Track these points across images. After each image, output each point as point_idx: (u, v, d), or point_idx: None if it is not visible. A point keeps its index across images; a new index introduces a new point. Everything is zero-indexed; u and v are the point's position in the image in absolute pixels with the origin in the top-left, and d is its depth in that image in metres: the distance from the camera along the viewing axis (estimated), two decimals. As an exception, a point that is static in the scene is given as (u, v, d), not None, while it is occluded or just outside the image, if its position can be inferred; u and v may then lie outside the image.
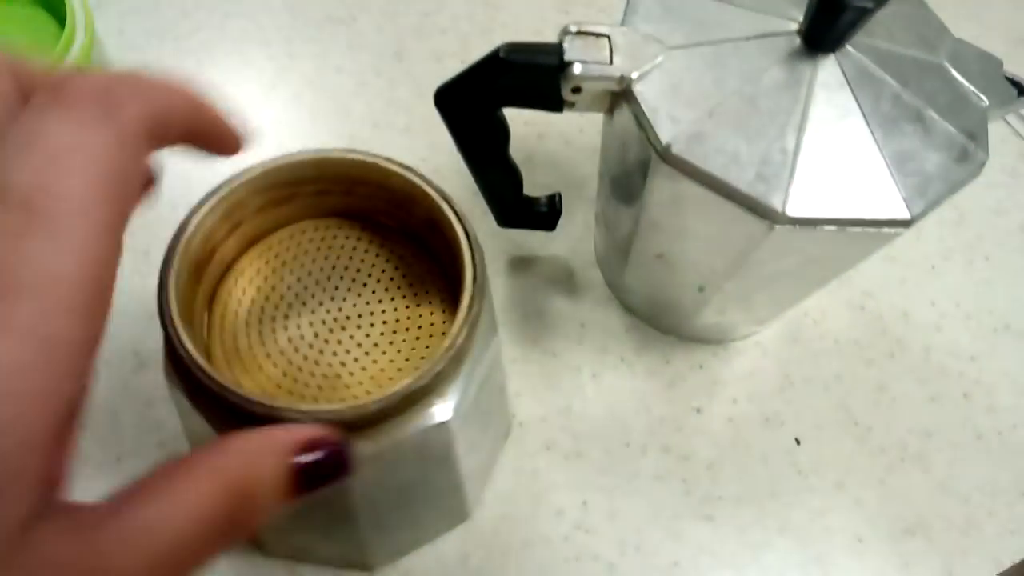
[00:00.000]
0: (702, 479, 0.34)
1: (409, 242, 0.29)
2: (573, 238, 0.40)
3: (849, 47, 0.27)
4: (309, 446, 0.17)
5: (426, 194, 0.26)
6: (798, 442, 0.35)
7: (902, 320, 0.39)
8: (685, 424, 0.35)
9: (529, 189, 0.35)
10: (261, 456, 0.16)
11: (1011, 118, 0.45)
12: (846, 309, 0.39)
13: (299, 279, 0.27)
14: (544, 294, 0.39)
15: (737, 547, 0.33)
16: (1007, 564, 0.33)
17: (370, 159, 0.26)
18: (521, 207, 0.36)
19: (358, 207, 0.29)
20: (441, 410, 0.23)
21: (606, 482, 0.34)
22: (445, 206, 0.26)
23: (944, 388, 0.37)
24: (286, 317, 0.26)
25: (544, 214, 0.36)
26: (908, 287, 0.40)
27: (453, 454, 0.26)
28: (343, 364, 0.25)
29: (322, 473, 0.17)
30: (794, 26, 0.27)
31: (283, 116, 0.43)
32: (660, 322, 0.37)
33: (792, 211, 0.25)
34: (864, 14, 0.25)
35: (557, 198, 0.36)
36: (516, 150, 0.33)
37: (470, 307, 0.24)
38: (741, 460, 0.35)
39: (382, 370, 0.25)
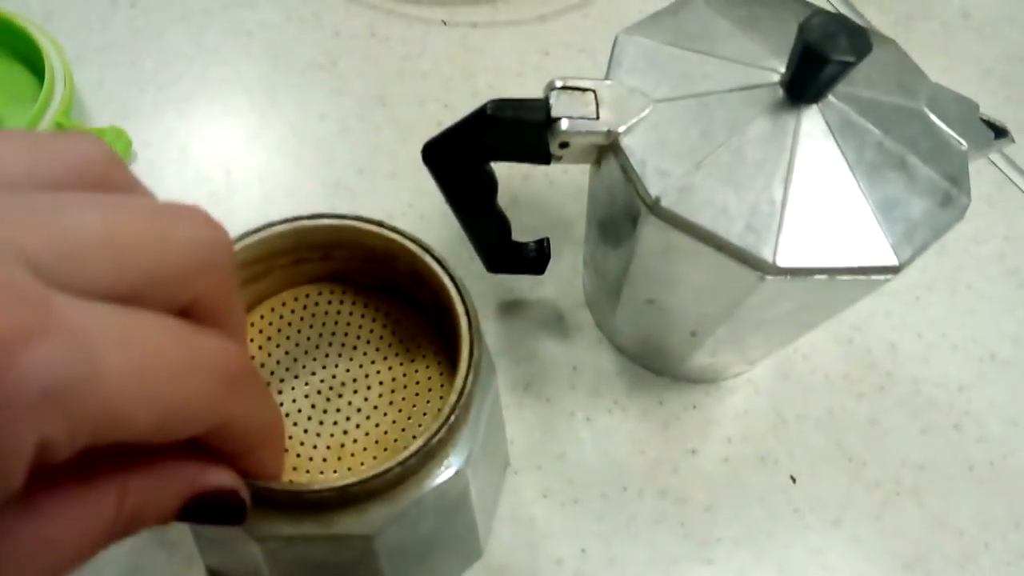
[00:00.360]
0: (700, 521, 0.34)
1: (394, 299, 0.29)
2: (561, 280, 0.40)
3: (831, 96, 0.27)
4: (211, 496, 0.17)
5: (406, 249, 0.26)
6: (794, 480, 0.36)
7: (890, 353, 0.40)
8: (681, 466, 0.35)
9: (515, 231, 0.35)
10: (163, 499, 0.16)
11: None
12: (834, 344, 0.40)
13: (287, 352, 0.27)
14: (535, 338, 0.38)
15: (738, 590, 0.33)
16: (1005, 597, 0.33)
17: (345, 223, 0.26)
18: (510, 253, 0.36)
19: (337, 270, 0.28)
20: (455, 459, 0.23)
21: (604, 528, 0.34)
22: (428, 258, 0.26)
23: (935, 420, 0.38)
24: (279, 392, 0.26)
25: (533, 259, 0.36)
26: (894, 319, 0.41)
27: (468, 498, 0.26)
28: (345, 432, 0.25)
29: (211, 516, 0.17)
30: (776, 77, 0.28)
31: (267, 164, 0.43)
32: (652, 363, 0.38)
33: (782, 262, 0.25)
34: (846, 67, 0.25)
35: (546, 243, 0.36)
36: (501, 193, 0.33)
37: (471, 354, 0.24)
38: (738, 501, 0.35)
39: (385, 432, 0.25)
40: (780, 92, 0.27)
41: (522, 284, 0.40)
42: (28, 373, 0.11)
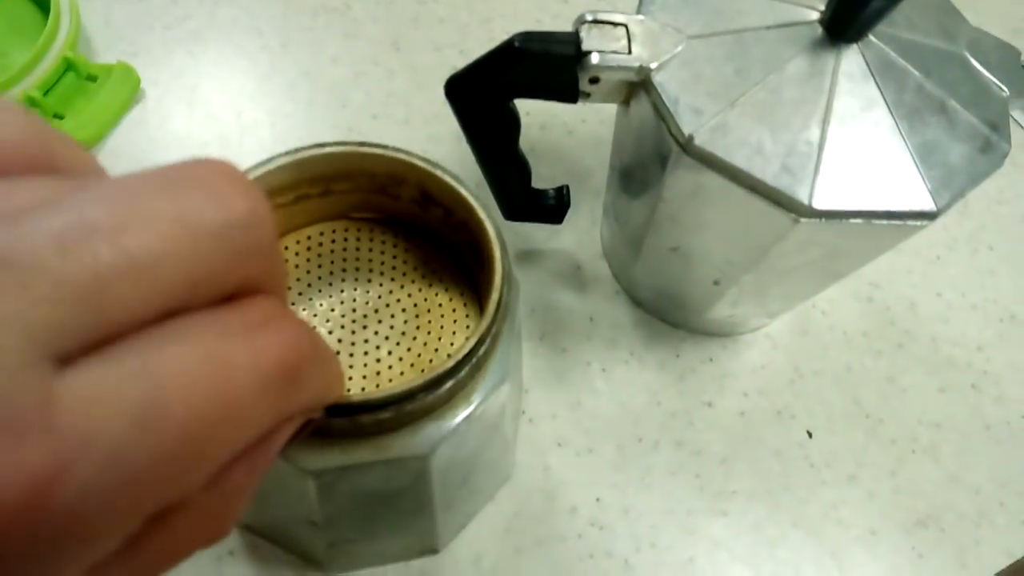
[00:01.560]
0: (715, 474, 0.34)
1: (399, 229, 0.28)
2: (579, 230, 0.40)
3: (871, 36, 0.26)
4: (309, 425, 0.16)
5: (414, 167, 0.25)
6: (810, 435, 0.35)
7: (909, 311, 0.39)
8: (697, 418, 0.35)
9: (532, 181, 0.35)
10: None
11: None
12: (854, 300, 0.39)
13: (300, 293, 0.26)
14: (551, 288, 0.38)
15: (752, 542, 0.33)
16: (1019, 554, 0.33)
17: (347, 148, 0.25)
18: (529, 200, 0.35)
19: (338, 208, 0.28)
20: (497, 374, 0.23)
21: (619, 478, 0.33)
22: (439, 172, 0.25)
23: (953, 379, 0.37)
24: None
25: (552, 207, 0.36)
26: (914, 277, 0.40)
27: (505, 415, 0.26)
28: (378, 360, 0.25)
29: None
30: (815, 15, 0.27)
31: (279, 107, 0.42)
32: (670, 315, 0.37)
33: (818, 203, 0.25)
34: (890, 4, 0.24)
35: (565, 191, 0.36)
36: (520, 141, 0.32)
37: (503, 260, 0.23)
38: (754, 454, 0.34)
39: (419, 355, 0.25)
40: (819, 30, 0.27)
41: (539, 234, 0.39)
42: (56, 514, 0.10)
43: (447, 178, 0.25)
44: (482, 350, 0.21)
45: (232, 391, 0.12)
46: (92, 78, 0.40)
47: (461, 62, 0.45)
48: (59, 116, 0.38)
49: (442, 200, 0.26)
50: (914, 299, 0.40)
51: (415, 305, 0.26)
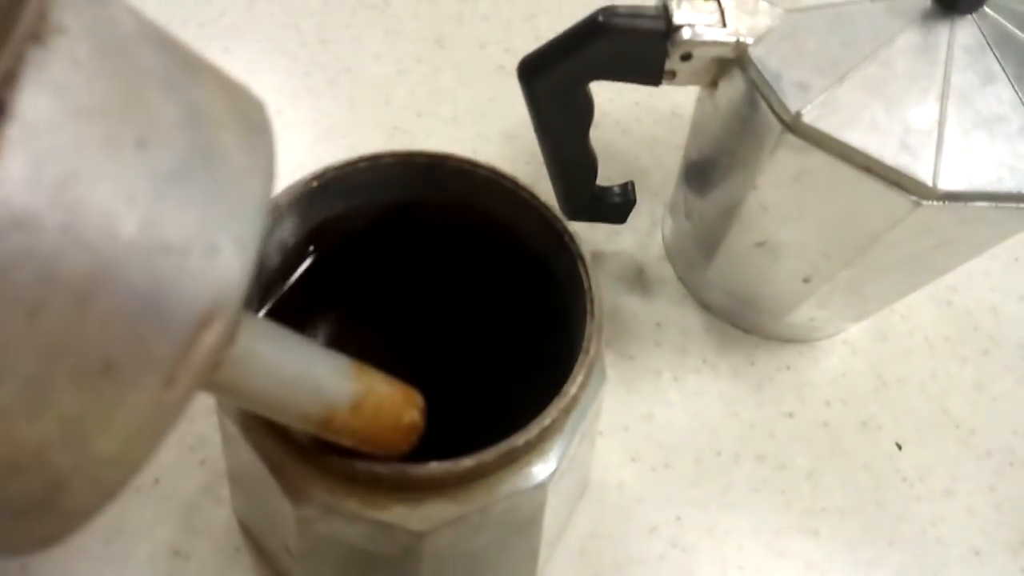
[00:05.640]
0: (802, 489, 0.31)
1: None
2: (639, 232, 0.37)
3: (986, 8, 0.24)
4: None
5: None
6: (899, 447, 0.33)
7: (991, 315, 0.37)
8: (777, 430, 0.33)
9: (591, 180, 0.32)
10: None
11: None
12: (932, 304, 0.37)
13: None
14: (615, 292, 0.36)
15: (847, 563, 0.30)
16: None
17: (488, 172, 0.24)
18: (593, 197, 0.33)
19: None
20: (540, 469, 0.20)
21: (699, 495, 0.31)
22: (582, 266, 0.23)
23: (1046, 386, 0.35)
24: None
25: (616, 205, 0.33)
26: (993, 280, 0.38)
27: (540, 518, 0.23)
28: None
29: None
30: (924, -14, 0.25)
31: (320, 105, 0.40)
32: (743, 320, 0.35)
33: (944, 184, 0.22)
34: (1020, -35, 0.22)
35: (630, 187, 0.34)
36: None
37: (588, 352, 0.21)
38: (841, 468, 0.32)
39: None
40: (927, 2, 0.25)
41: (598, 235, 0.37)
42: None
43: (581, 270, 0.23)
44: (522, 442, 0.19)
45: None
46: (125, 75, 0.38)
47: (508, 60, 0.43)
48: (91, 113, 0.36)
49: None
50: (995, 303, 0.37)
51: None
